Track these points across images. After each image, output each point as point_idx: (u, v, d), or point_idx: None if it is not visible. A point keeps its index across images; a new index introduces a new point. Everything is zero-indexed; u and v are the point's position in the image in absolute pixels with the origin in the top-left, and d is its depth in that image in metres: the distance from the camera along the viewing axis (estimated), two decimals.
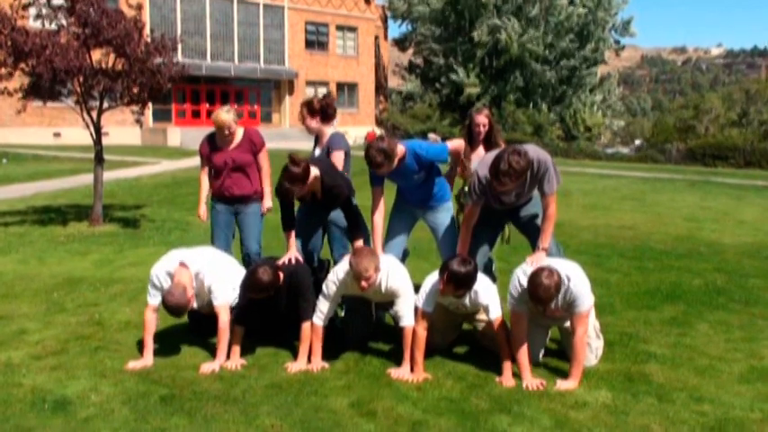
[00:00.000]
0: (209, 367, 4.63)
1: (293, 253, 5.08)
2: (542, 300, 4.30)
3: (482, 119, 5.82)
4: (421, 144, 5.28)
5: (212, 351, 4.85)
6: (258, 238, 6.16)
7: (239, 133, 6.07)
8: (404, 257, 5.56)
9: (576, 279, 4.48)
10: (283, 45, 38.96)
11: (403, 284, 4.74)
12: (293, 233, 5.21)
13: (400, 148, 5.06)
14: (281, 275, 4.82)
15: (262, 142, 6.18)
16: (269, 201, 6.19)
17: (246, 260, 5.97)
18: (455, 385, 4.46)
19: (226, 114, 5.96)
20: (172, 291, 4.71)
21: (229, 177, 6.05)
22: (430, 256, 6.48)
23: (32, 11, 10.35)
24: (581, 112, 43.94)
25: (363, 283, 4.52)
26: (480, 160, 5.17)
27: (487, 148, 5.70)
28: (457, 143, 5.73)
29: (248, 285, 4.70)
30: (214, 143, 6.13)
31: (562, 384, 4.42)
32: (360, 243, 5.11)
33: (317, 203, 5.28)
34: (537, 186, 4.91)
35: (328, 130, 5.96)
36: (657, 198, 16.45)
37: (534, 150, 4.80)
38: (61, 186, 16.13)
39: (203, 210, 6.37)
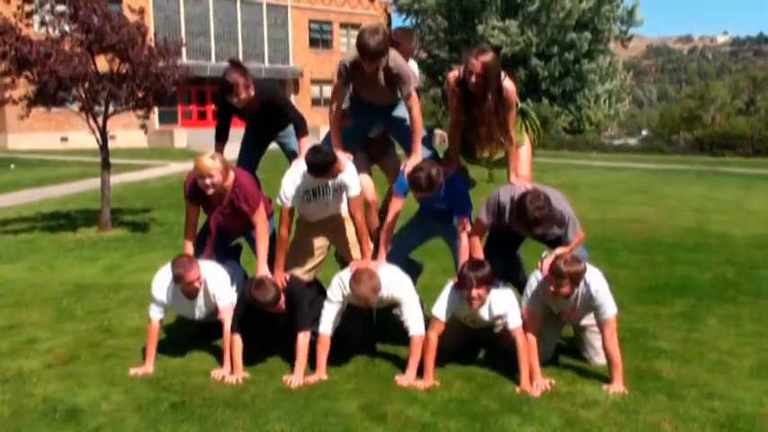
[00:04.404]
0: (219, 374, 4.64)
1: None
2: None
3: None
4: (455, 180, 5.00)
5: (222, 357, 4.82)
6: None
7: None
8: (417, 273, 5.52)
9: (597, 284, 4.46)
10: (287, 44, 38.96)
11: (404, 293, 4.70)
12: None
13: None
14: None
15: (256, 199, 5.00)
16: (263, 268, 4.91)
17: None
18: (464, 386, 4.45)
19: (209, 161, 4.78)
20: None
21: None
22: (438, 256, 6.46)
23: (36, 18, 10.41)
24: (585, 108, 43.68)
25: (364, 305, 4.60)
26: (505, 188, 4.88)
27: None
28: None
29: (253, 301, 4.61)
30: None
31: (611, 388, 4.37)
32: (305, 141, 5.22)
33: (260, 126, 5.58)
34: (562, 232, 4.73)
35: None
36: (665, 190, 16.41)
37: (555, 198, 4.58)
38: (69, 191, 16.21)
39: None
